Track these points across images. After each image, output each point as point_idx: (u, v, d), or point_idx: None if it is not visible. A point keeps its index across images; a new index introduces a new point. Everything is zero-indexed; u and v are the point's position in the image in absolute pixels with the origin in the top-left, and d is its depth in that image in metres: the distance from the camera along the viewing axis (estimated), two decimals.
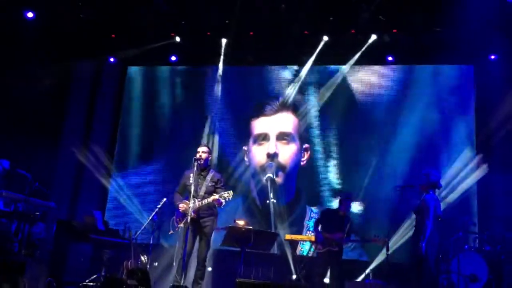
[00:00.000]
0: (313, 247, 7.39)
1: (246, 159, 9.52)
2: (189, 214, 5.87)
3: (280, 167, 9.22)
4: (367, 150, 9.01)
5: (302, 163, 9.30)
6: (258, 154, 9.42)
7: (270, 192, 9.09)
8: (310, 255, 8.09)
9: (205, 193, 6.11)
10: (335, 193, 8.91)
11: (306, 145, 9.32)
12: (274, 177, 9.14)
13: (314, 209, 8.98)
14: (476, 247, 7.54)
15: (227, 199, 6.01)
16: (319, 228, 7.33)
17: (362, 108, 9.29)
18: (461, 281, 7.01)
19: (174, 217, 6.28)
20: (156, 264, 8.08)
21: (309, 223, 8.84)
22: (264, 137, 9.44)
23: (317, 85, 9.57)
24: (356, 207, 8.56)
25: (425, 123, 8.88)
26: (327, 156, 9.22)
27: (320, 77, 9.61)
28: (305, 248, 8.47)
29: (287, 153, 9.30)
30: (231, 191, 6.04)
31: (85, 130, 10.23)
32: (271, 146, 9.32)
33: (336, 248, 7.13)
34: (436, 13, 8.36)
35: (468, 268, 7.07)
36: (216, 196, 5.97)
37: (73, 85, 10.31)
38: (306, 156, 9.30)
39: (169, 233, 6.53)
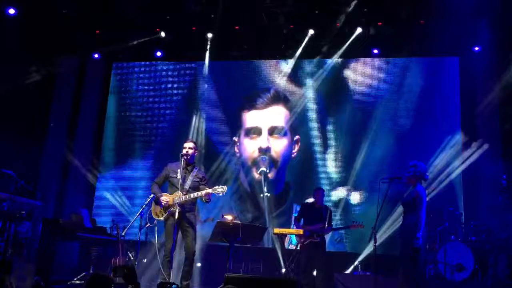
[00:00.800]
0: (296, 240, 7.45)
1: (236, 150, 9.54)
2: (176, 208, 5.83)
3: (273, 161, 9.31)
4: (355, 142, 9.07)
5: (293, 155, 9.34)
6: (250, 147, 9.47)
7: (264, 186, 9.14)
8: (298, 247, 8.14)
9: (190, 187, 6.09)
10: (327, 183, 8.98)
11: (297, 137, 9.36)
12: (267, 171, 9.18)
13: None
14: (462, 237, 7.62)
15: (220, 194, 6.01)
16: (301, 222, 7.47)
17: (350, 101, 9.33)
18: (448, 271, 7.10)
19: (152, 209, 6.21)
20: (145, 260, 8.05)
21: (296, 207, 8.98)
22: (256, 131, 9.49)
23: (305, 78, 9.59)
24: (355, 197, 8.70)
25: (411, 115, 8.96)
26: (318, 148, 9.26)
27: (308, 70, 9.64)
28: (294, 240, 8.53)
29: (279, 147, 9.38)
30: (226, 186, 6.02)
31: (70, 127, 10.14)
32: (263, 140, 9.38)
33: (318, 239, 7.24)
34: (421, 5, 8.41)
35: (454, 258, 7.16)
36: (209, 190, 5.95)
37: (57, 81, 10.21)
38: (296, 148, 9.37)
39: (146, 226, 6.47)
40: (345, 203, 8.89)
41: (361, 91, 9.34)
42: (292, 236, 8.48)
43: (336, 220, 8.54)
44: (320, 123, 9.35)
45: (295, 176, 9.30)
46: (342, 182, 9.03)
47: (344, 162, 9.10)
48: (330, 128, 9.31)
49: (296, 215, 7.93)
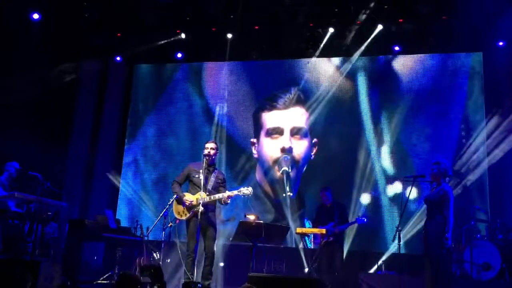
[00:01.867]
0: (309, 243, 7.46)
1: (254, 151, 9.54)
2: (199, 208, 5.87)
3: (294, 162, 9.27)
4: (377, 142, 8.97)
5: (311, 158, 9.30)
6: (271, 147, 9.46)
7: (287, 186, 9.14)
8: (311, 247, 8.14)
9: (212, 188, 6.13)
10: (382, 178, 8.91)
11: (315, 140, 9.32)
12: (290, 170, 9.17)
13: None
14: (488, 235, 7.49)
15: (246, 196, 6.07)
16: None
17: (371, 100, 9.23)
18: (474, 270, 6.98)
19: (174, 209, 6.24)
20: (169, 260, 8.11)
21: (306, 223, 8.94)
22: (277, 131, 9.47)
23: (327, 78, 9.52)
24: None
25: (434, 113, 8.85)
26: (335, 150, 9.22)
27: (329, 69, 9.56)
28: (308, 243, 8.52)
29: (300, 148, 9.36)
30: (251, 188, 6.06)
31: (94, 130, 10.29)
32: (285, 140, 9.36)
33: (332, 238, 7.22)
34: (442, 1, 8.29)
35: (481, 257, 7.04)
36: (235, 192, 6.00)
37: (80, 85, 10.34)
38: (314, 150, 9.32)
39: (169, 225, 6.53)
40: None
41: (383, 89, 9.23)
42: (306, 239, 8.45)
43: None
44: (339, 124, 9.27)
45: (311, 176, 9.22)
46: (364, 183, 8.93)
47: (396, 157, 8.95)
48: (350, 129, 9.22)
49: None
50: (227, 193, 6.02)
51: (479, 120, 8.65)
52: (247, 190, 6.00)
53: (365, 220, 7.56)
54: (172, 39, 9.65)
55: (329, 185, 7.97)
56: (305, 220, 8.98)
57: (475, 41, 8.70)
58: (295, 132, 9.41)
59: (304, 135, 9.38)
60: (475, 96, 8.81)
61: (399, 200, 8.13)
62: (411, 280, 6.53)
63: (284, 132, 9.43)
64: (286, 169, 9.22)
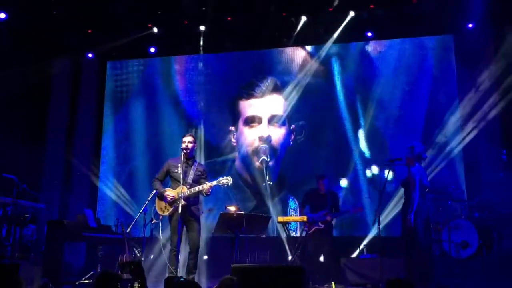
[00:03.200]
0: (302, 228, 7.51)
1: (233, 139, 9.55)
2: (180, 202, 5.86)
3: (273, 150, 9.32)
4: (353, 127, 9.05)
5: (290, 144, 9.36)
6: (249, 136, 9.49)
7: (266, 175, 9.17)
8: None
9: (192, 181, 6.11)
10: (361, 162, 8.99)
11: (293, 126, 9.36)
12: (268, 160, 9.20)
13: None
14: (465, 214, 7.64)
15: (225, 185, 6.06)
16: (306, 209, 7.60)
17: (346, 86, 9.29)
18: (453, 249, 7.12)
19: (156, 205, 6.25)
20: (152, 256, 8.09)
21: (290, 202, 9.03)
22: (255, 120, 9.50)
23: (302, 66, 9.53)
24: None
25: (408, 96, 8.95)
26: (313, 136, 9.27)
27: (303, 57, 9.58)
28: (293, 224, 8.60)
29: (278, 135, 9.40)
30: (230, 177, 6.06)
31: (69, 128, 10.15)
32: (264, 129, 9.40)
33: (322, 226, 7.29)
34: None
35: (459, 236, 7.18)
36: (214, 182, 5.99)
37: (53, 83, 10.19)
38: (292, 137, 9.37)
39: (152, 222, 6.51)
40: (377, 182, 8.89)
41: (357, 75, 9.30)
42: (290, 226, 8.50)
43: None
44: (317, 111, 9.32)
45: (289, 163, 9.29)
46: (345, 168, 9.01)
47: (344, 147, 9.07)
48: (327, 115, 9.28)
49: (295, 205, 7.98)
50: (207, 184, 6.01)
51: (452, 101, 8.76)
52: (226, 180, 6.00)
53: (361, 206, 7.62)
54: (144, 33, 9.54)
55: (312, 171, 7.96)
56: (290, 198, 9.02)
57: (445, 24, 8.79)
58: (273, 120, 9.43)
59: (282, 123, 9.42)
60: (447, 78, 8.93)
61: (377, 184, 8.27)
62: (392, 262, 6.64)
63: (262, 120, 9.46)
64: (265, 158, 9.26)
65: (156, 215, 6.38)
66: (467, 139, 8.38)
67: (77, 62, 10.29)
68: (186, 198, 5.98)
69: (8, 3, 8.76)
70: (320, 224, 7.35)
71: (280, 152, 9.34)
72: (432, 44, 9.11)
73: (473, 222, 7.28)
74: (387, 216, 8.16)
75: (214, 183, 6.00)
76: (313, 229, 7.38)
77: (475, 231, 7.16)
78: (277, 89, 9.55)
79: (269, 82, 9.60)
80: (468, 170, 8.41)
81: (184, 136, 6.32)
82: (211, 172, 8.77)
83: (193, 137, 6.37)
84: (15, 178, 6.99)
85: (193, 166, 6.20)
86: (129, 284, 3.91)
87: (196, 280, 6.00)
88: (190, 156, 6.21)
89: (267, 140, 9.33)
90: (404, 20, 8.94)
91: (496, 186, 7.61)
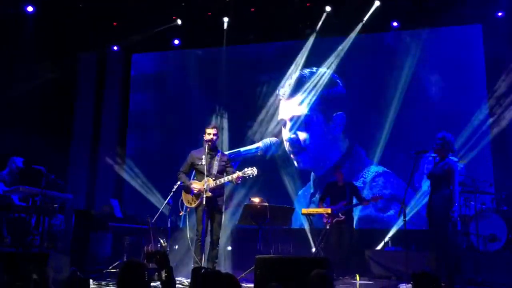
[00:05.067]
0: (324, 220, 7.47)
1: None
2: (205, 194, 5.90)
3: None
4: (380, 118, 8.94)
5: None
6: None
7: None
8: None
9: (217, 172, 6.14)
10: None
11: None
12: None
13: None
14: (493, 207, 7.50)
15: (251, 176, 6.05)
16: (326, 201, 7.59)
17: (372, 77, 9.17)
18: (481, 242, 7.00)
19: (183, 198, 6.30)
20: (177, 247, 8.17)
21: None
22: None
23: (326, 56, 9.44)
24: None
25: (436, 87, 8.80)
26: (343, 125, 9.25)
27: (327, 47, 9.48)
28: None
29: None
30: (255, 167, 6.04)
31: (96, 120, 10.31)
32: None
33: (343, 217, 7.25)
34: None
35: (486, 229, 7.06)
36: (239, 173, 5.99)
37: (79, 76, 10.35)
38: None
39: (180, 214, 6.59)
40: (371, 179, 8.83)
41: (384, 65, 9.17)
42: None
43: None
44: (346, 100, 9.29)
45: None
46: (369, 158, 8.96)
47: (370, 137, 9.00)
48: (354, 104, 9.22)
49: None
50: (232, 176, 6.01)
51: (481, 92, 8.59)
52: (251, 170, 6.01)
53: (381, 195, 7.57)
54: (168, 25, 9.58)
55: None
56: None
57: (473, 13, 8.58)
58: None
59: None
60: (476, 68, 8.73)
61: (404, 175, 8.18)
62: (417, 255, 6.57)
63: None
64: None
65: (184, 207, 6.43)
66: (496, 131, 8.20)
67: (103, 55, 10.41)
68: (212, 190, 6.01)
69: None
70: (340, 215, 7.31)
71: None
72: (459, 34, 8.91)
73: (501, 216, 7.15)
74: (412, 209, 8.07)
75: (240, 174, 6.01)
76: (335, 220, 7.35)
77: (504, 225, 7.03)
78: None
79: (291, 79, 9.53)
80: (496, 163, 8.24)
81: (207, 127, 6.31)
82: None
83: (217, 128, 6.38)
84: (43, 169, 7.13)
85: (216, 157, 6.22)
86: (156, 273, 3.95)
87: (221, 270, 6.03)
88: (213, 147, 6.23)
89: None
90: (430, 9, 8.76)
91: None
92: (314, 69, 9.51)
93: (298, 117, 9.44)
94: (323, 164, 9.21)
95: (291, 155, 9.37)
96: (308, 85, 9.43)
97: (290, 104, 9.52)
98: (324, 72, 9.40)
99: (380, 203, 8.15)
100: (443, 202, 5.79)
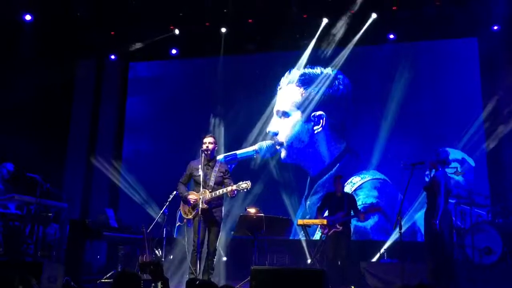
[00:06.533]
0: (320, 231, 7.45)
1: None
2: (200, 205, 5.88)
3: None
4: (376, 130, 8.98)
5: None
6: None
7: None
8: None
9: (214, 183, 6.10)
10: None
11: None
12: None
13: None
14: (489, 220, 7.51)
15: (245, 190, 6.01)
16: (324, 212, 7.53)
17: (367, 88, 9.22)
18: (476, 255, 7.00)
19: (181, 208, 6.28)
20: (172, 257, 8.13)
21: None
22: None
23: (322, 67, 9.52)
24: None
25: (431, 100, 8.84)
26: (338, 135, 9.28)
27: (323, 59, 9.54)
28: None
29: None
30: (249, 181, 5.99)
31: (92, 129, 10.29)
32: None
33: (340, 228, 7.23)
34: None
35: (482, 241, 7.05)
36: (233, 187, 5.95)
37: (76, 84, 10.35)
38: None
39: (177, 224, 6.55)
40: (365, 189, 8.84)
41: (378, 77, 9.21)
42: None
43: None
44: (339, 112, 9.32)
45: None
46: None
47: (365, 148, 9.03)
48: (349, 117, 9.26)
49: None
50: (227, 189, 5.98)
51: (476, 105, 8.63)
52: (245, 184, 5.96)
53: (377, 208, 7.58)
54: (166, 35, 9.61)
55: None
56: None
57: (469, 27, 8.66)
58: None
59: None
60: (471, 81, 8.78)
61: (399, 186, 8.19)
62: (413, 268, 6.55)
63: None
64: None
65: (179, 217, 6.39)
66: (491, 143, 8.23)
67: (100, 64, 10.42)
68: (208, 202, 5.98)
69: (34, 6, 8.92)
70: (337, 226, 7.28)
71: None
72: (455, 47, 8.98)
73: (496, 228, 7.15)
74: (408, 220, 8.07)
75: (234, 187, 5.97)
76: (332, 231, 7.32)
77: (499, 237, 7.02)
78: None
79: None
80: (492, 175, 8.26)
81: (204, 136, 6.30)
82: None
83: (214, 137, 6.37)
84: (38, 178, 7.09)
85: (214, 168, 6.18)
86: (153, 285, 3.92)
87: (216, 281, 6.01)
88: (211, 157, 6.21)
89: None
90: (427, 22, 8.82)
91: None
92: (318, 69, 9.57)
93: (282, 111, 9.55)
94: (319, 166, 9.26)
95: (276, 147, 9.44)
96: (307, 81, 9.51)
97: (281, 97, 9.63)
98: (322, 72, 9.47)
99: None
100: (430, 214, 5.88)
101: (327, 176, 9.10)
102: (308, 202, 9.11)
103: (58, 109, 9.82)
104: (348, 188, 8.55)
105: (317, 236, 8.38)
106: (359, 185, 8.88)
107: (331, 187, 7.87)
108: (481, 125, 8.44)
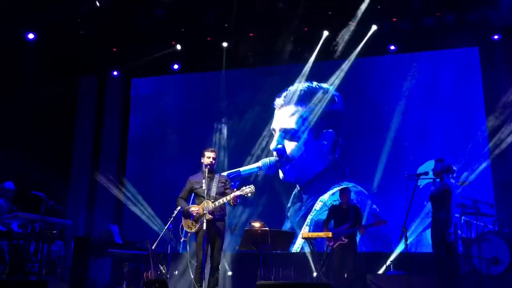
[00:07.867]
0: (326, 244, 7.41)
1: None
2: (205, 217, 5.85)
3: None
4: (377, 142, 8.97)
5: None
6: None
7: None
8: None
9: (216, 193, 6.09)
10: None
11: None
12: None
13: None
14: (495, 229, 7.45)
15: (249, 194, 5.99)
16: (330, 224, 7.50)
17: (371, 99, 9.24)
18: (483, 265, 6.93)
19: (183, 223, 6.25)
20: (176, 272, 8.09)
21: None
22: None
23: (324, 79, 9.54)
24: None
25: (434, 110, 8.83)
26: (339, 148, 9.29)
27: (325, 70, 9.57)
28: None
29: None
30: (253, 185, 5.97)
31: (95, 145, 10.31)
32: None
33: (346, 240, 7.18)
34: None
35: (489, 252, 6.99)
36: (237, 192, 5.93)
37: (79, 101, 10.41)
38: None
39: (181, 240, 6.53)
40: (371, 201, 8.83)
41: (381, 88, 9.23)
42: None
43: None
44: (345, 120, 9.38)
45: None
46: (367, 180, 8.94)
47: (369, 160, 9.01)
48: (350, 129, 9.27)
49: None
50: (231, 195, 5.97)
51: (479, 114, 8.62)
52: (249, 189, 5.94)
53: (383, 221, 7.53)
54: (167, 51, 9.68)
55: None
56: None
57: (470, 36, 8.68)
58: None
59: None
60: (473, 90, 8.78)
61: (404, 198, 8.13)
62: (420, 279, 6.49)
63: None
64: None
65: (184, 232, 6.36)
66: (496, 152, 8.21)
67: (103, 80, 10.48)
68: (212, 212, 5.96)
69: (36, 24, 9.01)
70: (343, 238, 7.23)
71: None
72: (456, 57, 8.99)
73: (503, 238, 7.09)
74: (413, 231, 8.02)
75: (238, 193, 5.94)
76: (337, 244, 7.27)
77: (506, 247, 6.96)
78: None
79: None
80: (497, 184, 8.22)
81: (206, 150, 6.29)
82: None
83: (215, 150, 6.37)
84: (43, 195, 7.09)
85: (215, 179, 6.19)
86: None
87: None
88: (211, 170, 6.22)
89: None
90: (428, 33, 8.85)
91: None
92: (315, 84, 9.58)
93: (288, 128, 9.51)
94: (307, 177, 9.30)
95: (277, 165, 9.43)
96: (303, 98, 9.51)
97: (282, 115, 9.61)
98: (322, 87, 9.46)
99: None
100: (439, 224, 5.81)
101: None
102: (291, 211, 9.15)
103: (62, 126, 9.86)
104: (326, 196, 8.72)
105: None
106: (334, 192, 8.91)
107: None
108: (485, 134, 8.41)
